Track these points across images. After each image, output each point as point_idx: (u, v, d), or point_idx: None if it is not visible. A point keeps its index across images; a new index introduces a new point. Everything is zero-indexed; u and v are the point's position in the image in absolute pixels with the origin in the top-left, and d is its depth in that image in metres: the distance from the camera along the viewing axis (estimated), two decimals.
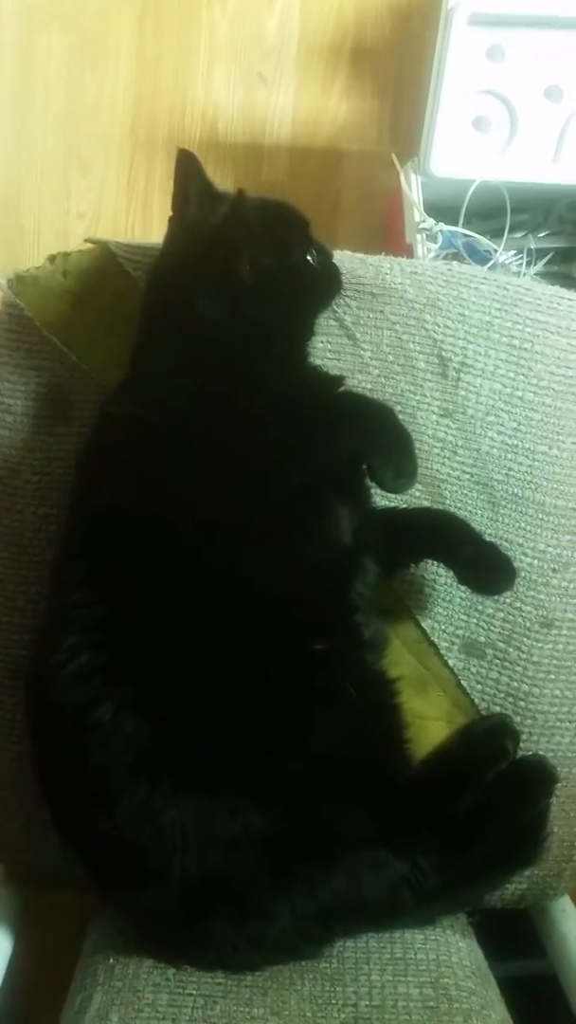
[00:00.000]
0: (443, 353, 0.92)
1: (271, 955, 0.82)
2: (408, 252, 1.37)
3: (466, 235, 1.34)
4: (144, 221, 1.61)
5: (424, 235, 1.33)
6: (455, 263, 1.01)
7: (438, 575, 0.93)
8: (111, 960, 0.84)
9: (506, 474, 0.93)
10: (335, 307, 0.91)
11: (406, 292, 0.92)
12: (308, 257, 0.86)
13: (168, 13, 1.59)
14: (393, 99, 1.60)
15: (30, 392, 0.91)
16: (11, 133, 1.60)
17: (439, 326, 0.92)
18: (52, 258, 0.92)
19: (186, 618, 0.78)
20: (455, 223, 1.35)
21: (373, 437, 0.82)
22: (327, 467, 0.81)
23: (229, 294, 0.81)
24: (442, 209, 1.37)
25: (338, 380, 0.87)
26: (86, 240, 0.93)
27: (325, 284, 0.89)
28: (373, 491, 0.87)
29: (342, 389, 0.87)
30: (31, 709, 0.83)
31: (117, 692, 0.76)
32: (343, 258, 0.93)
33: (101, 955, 0.85)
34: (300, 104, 1.61)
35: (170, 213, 0.88)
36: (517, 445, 0.93)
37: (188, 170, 0.86)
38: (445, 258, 1.38)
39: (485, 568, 0.86)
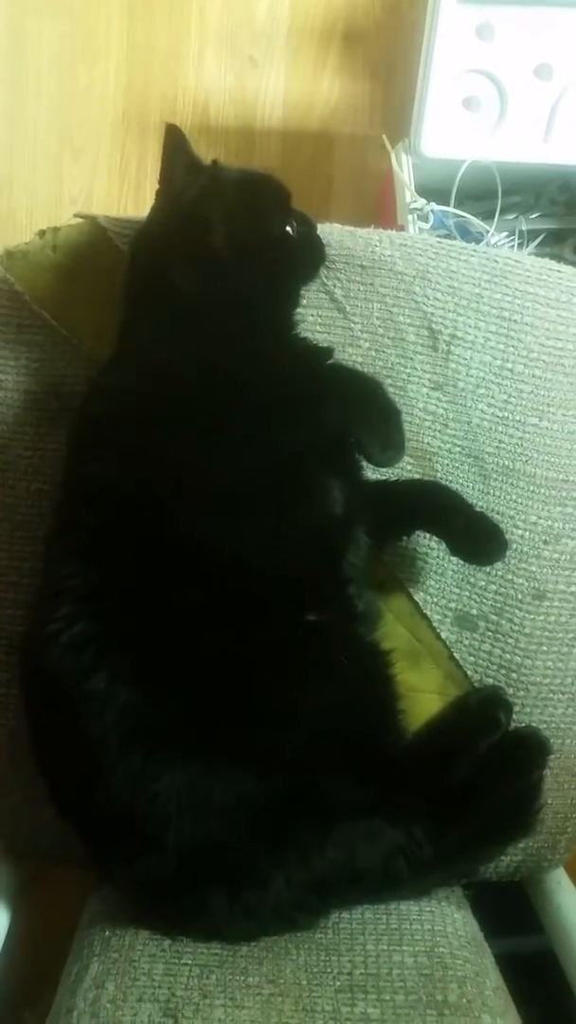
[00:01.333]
0: (433, 325, 0.92)
1: (266, 925, 0.82)
2: None
3: (457, 215, 1.34)
4: (136, 205, 1.61)
5: (415, 215, 1.33)
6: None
7: (430, 548, 0.94)
8: (107, 932, 0.84)
9: (497, 446, 0.93)
10: (324, 280, 0.91)
11: (395, 264, 0.92)
12: (288, 228, 0.85)
13: None
14: (385, 82, 1.60)
15: (21, 367, 0.91)
16: (2, 119, 1.60)
17: (429, 298, 0.92)
18: (42, 233, 0.92)
19: (179, 588, 0.78)
20: (447, 205, 1.35)
21: (360, 410, 0.82)
22: (312, 438, 0.80)
23: (205, 267, 0.81)
24: (434, 191, 1.37)
25: (327, 351, 0.87)
26: (76, 215, 0.93)
27: (307, 255, 0.89)
28: (363, 464, 0.87)
29: (331, 361, 0.87)
30: (25, 680, 0.83)
31: (111, 661, 0.76)
32: (332, 231, 0.93)
33: (97, 927, 0.85)
34: (291, 88, 1.61)
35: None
36: (507, 417, 0.93)
37: (175, 144, 0.86)
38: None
39: (476, 538, 0.86)
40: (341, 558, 0.84)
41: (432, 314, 0.92)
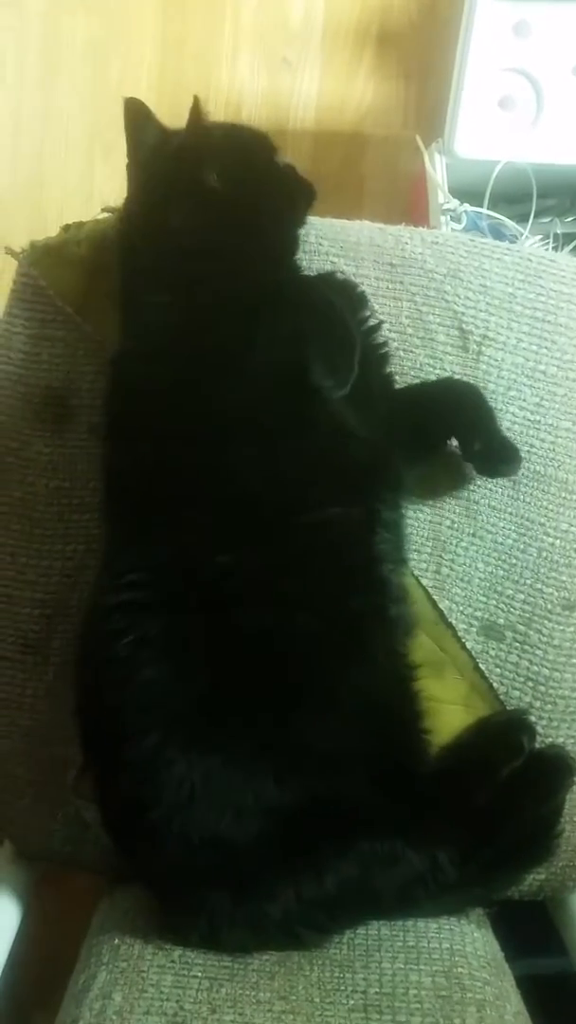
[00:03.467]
0: (464, 325, 0.90)
1: (269, 938, 0.79)
2: None
3: (491, 216, 1.32)
4: None
5: (448, 216, 1.31)
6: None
7: (456, 555, 0.91)
8: (116, 940, 0.82)
9: (528, 451, 0.90)
10: (353, 277, 0.89)
11: (426, 262, 0.90)
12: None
13: None
14: (419, 83, 1.58)
15: (43, 362, 0.89)
16: (35, 116, 1.60)
17: (460, 297, 0.90)
18: (67, 227, 0.91)
19: (210, 552, 0.76)
20: (480, 207, 1.33)
21: (314, 325, 0.80)
22: (277, 351, 0.78)
23: (201, 204, 0.81)
24: (467, 192, 1.35)
25: (330, 275, 0.87)
26: (103, 209, 0.92)
27: (297, 189, 0.88)
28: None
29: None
30: (77, 644, 0.83)
31: (139, 626, 0.75)
32: (362, 228, 0.91)
33: (107, 935, 0.83)
34: (325, 89, 1.59)
35: None
36: (539, 421, 0.90)
37: (137, 118, 0.86)
38: None
39: (489, 461, 0.86)
40: (373, 511, 0.82)
41: (463, 314, 0.90)
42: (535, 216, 1.36)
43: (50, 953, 0.95)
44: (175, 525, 0.76)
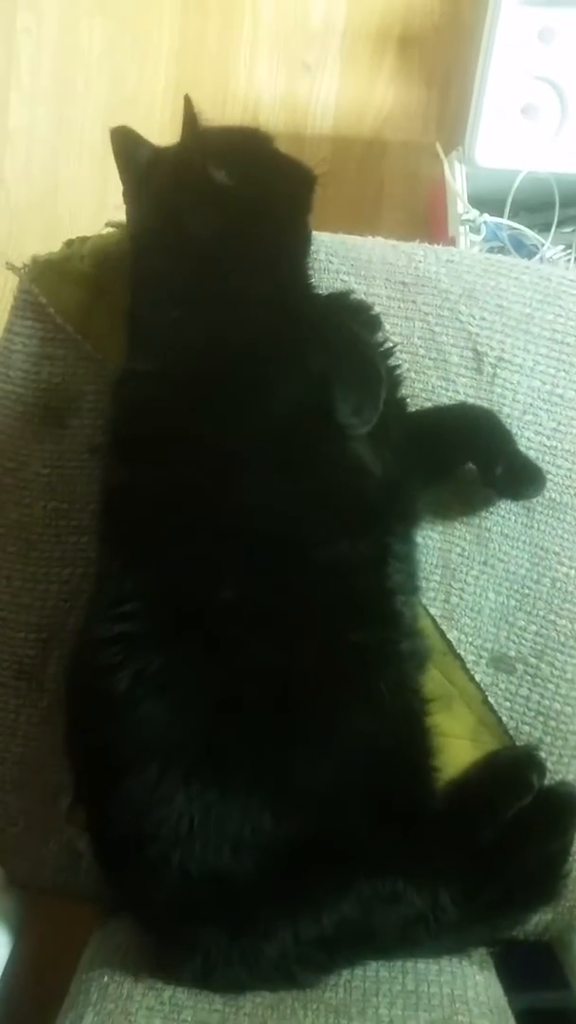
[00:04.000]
0: (478, 347, 0.87)
1: (265, 977, 0.76)
2: (451, 245, 1.32)
3: (512, 227, 1.28)
4: None
5: (467, 227, 1.28)
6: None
7: (466, 583, 0.88)
8: (106, 979, 0.79)
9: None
10: (364, 297, 0.86)
11: (440, 281, 0.86)
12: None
13: (210, 1, 1.56)
14: (441, 88, 1.54)
15: (42, 381, 0.87)
16: (51, 119, 1.58)
17: (475, 318, 0.87)
18: (70, 242, 0.89)
19: (215, 584, 0.74)
20: (501, 216, 1.30)
21: (341, 363, 0.77)
22: (304, 389, 0.76)
23: (215, 203, 0.80)
24: (488, 201, 1.32)
25: (343, 296, 0.84)
26: (107, 224, 0.90)
27: (300, 173, 0.86)
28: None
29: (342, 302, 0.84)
30: (67, 674, 0.81)
31: (136, 661, 0.73)
32: (374, 245, 0.88)
33: (96, 972, 0.81)
34: (344, 93, 1.56)
35: None
36: (556, 447, 0.87)
37: (126, 145, 0.85)
38: (490, 250, 1.33)
39: (513, 484, 0.84)
40: (384, 545, 0.79)
41: (478, 335, 0.87)
42: (557, 226, 1.33)
43: (44, 983, 0.93)
44: (177, 555, 0.74)
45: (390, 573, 0.80)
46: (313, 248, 0.87)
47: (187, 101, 0.79)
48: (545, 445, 0.87)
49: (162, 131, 1.53)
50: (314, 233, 0.87)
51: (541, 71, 1.22)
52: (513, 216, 1.35)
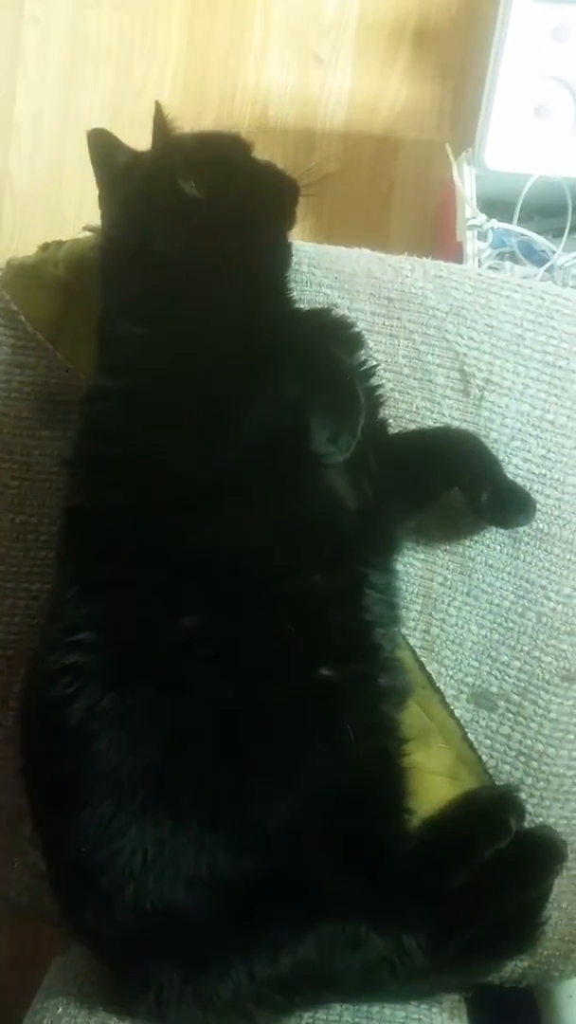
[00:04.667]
0: (465, 368, 0.82)
1: (220, 1016, 0.73)
2: (459, 250, 1.27)
3: (521, 233, 1.23)
4: None
5: (475, 232, 1.23)
6: (487, 269, 0.91)
7: (447, 614, 0.84)
8: (60, 1010, 0.77)
9: None
10: (347, 312, 0.82)
11: (427, 298, 0.82)
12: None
13: None
14: (456, 84, 1.49)
15: (12, 390, 0.84)
16: (57, 111, 1.55)
17: (462, 337, 0.82)
18: (45, 246, 0.86)
19: (176, 615, 0.71)
20: (511, 220, 1.25)
21: (318, 388, 0.73)
22: (277, 415, 0.72)
23: (183, 215, 0.76)
24: (501, 203, 1.27)
25: (324, 313, 0.80)
26: (84, 228, 0.86)
27: (280, 185, 0.82)
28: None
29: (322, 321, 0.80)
30: (21, 701, 0.78)
31: (89, 694, 0.70)
32: (359, 256, 0.84)
33: (52, 1002, 0.78)
34: (357, 88, 1.51)
35: None
36: (545, 475, 0.83)
37: (103, 148, 0.81)
38: (499, 256, 1.28)
39: (501, 511, 0.80)
40: (360, 576, 0.76)
41: (465, 355, 0.82)
42: (571, 232, 1.28)
43: (12, 1000, 0.91)
44: (136, 584, 0.71)
45: (367, 605, 0.76)
46: (295, 259, 0.83)
47: (158, 107, 0.76)
48: (533, 473, 0.83)
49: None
50: (296, 243, 0.83)
51: (555, 71, 1.17)
52: (526, 220, 1.29)
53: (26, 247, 1.56)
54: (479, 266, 1.25)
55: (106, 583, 0.72)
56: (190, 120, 1.49)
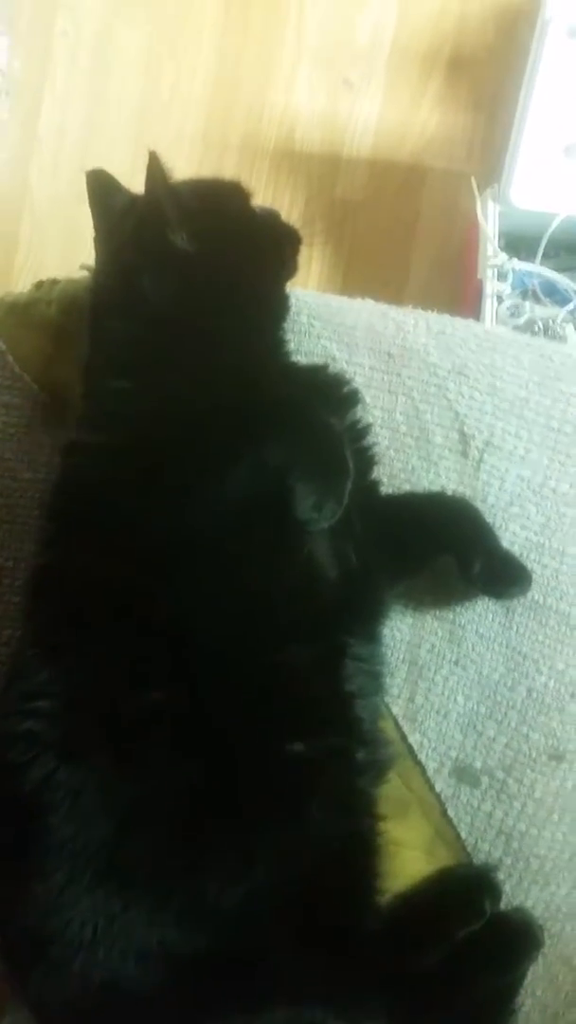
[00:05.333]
0: (465, 428, 0.79)
1: None
2: (480, 286, 1.23)
3: (541, 275, 1.19)
4: None
5: (495, 272, 1.19)
6: (495, 326, 0.88)
7: (433, 683, 0.81)
8: None
9: None
10: (345, 366, 0.79)
11: (429, 355, 0.79)
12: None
13: (254, 8, 1.49)
14: (488, 114, 1.45)
15: None
16: (81, 125, 1.53)
17: (464, 397, 0.79)
18: (39, 285, 0.84)
19: (141, 686, 0.68)
20: (534, 258, 1.21)
21: (303, 453, 0.70)
22: (258, 480, 0.69)
23: (173, 267, 0.74)
24: (527, 239, 1.23)
25: (318, 370, 0.77)
26: (81, 267, 0.84)
27: (280, 235, 0.79)
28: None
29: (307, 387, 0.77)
30: None
31: (44, 765, 0.68)
32: (361, 309, 0.81)
33: None
34: (386, 114, 1.48)
35: None
36: (544, 544, 0.79)
37: (102, 190, 0.79)
38: (522, 294, 1.24)
39: (495, 582, 0.77)
40: (340, 647, 0.73)
41: (465, 415, 0.79)
42: None
43: None
44: (100, 651, 0.68)
45: (347, 676, 0.73)
46: (294, 309, 0.80)
47: (152, 156, 0.73)
48: (531, 541, 0.79)
49: (193, 142, 1.50)
50: (297, 292, 0.80)
51: None
52: (552, 256, 1.26)
53: (41, 261, 1.57)
54: (499, 304, 1.22)
55: (69, 647, 0.69)
56: (216, 138, 1.50)
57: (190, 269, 0.74)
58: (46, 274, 1.54)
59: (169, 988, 0.68)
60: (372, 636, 0.77)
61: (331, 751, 0.72)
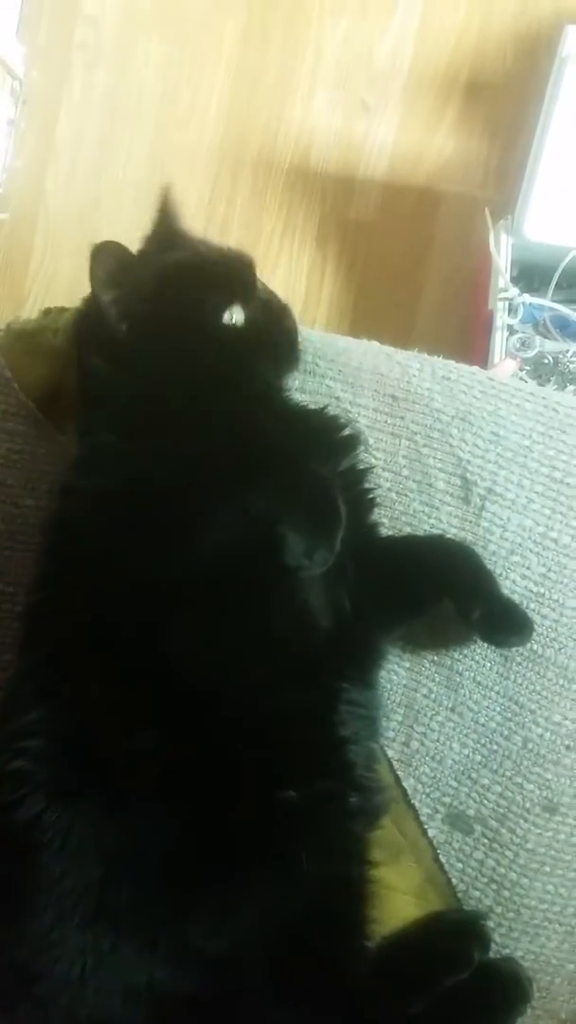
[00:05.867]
0: (467, 475, 0.78)
1: None
2: (491, 316, 1.23)
3: (552, 308, 1.19)
4: None
5: (506, 305, 1.19)
6: (496, 359, 0.87)
7: (429, 728, 0.80)
8: None
9: None
10: (349, 407, 0.78)
11: (434, 400, 0.78)
12: (227, 315, 0.73)
13: (275, 27, 1.48)
14: (505, 141, 1.44)
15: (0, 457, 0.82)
16: (98, 136, 1.53)
17: (467, 443, 0.78)
18: (47, 312, 0.83)
19: (131, 729, 0.68)
20: (547, 291, 1.20)
21: (294, 501, 0.69)
22: (245, 527, 0.67)
23: (111, 351, 0.72)
24: (540, 270, 1.22)
25: (316, 414, 0.76)
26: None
27: (257, 348, 0.75)
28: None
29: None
30: None
31: (33, 805, 0.67)
32: (367, 351, 0.80)
33: None
34: (402, 137, 1.47)
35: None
36: (543, 594, 0.78)
37: (104, 261, 0.73)
38: (533, 327, 1.24)
39: (495, 631, 0.76)
40: (335, 692, 0.72)
41: (468, 462, 0.78)
42: None
43: None
44: (91, 694, 0.68)
45: (341, 721, 0.72)
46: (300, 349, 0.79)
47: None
48: (531, 591, 0.78)
49: (209, 155, 1.50)
50: (303, 332, 0.79)
51: None
52: (566, 287, 1.25)
53: (55, 271, 1.57)
54: (510, 336, 1.21)
55: (61, 688, 0.69)
56: (231, 154, 1.49)
57: (126, 359, 0.72)
58: (59, 281, 1.53)
59: None
60: (368, 681, 0.76)
61: (323, 797, 0.71)
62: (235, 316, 0.73)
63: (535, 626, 0.78)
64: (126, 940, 0.67)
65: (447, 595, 0.76)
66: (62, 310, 0.83)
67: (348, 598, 0.72)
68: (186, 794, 0.67)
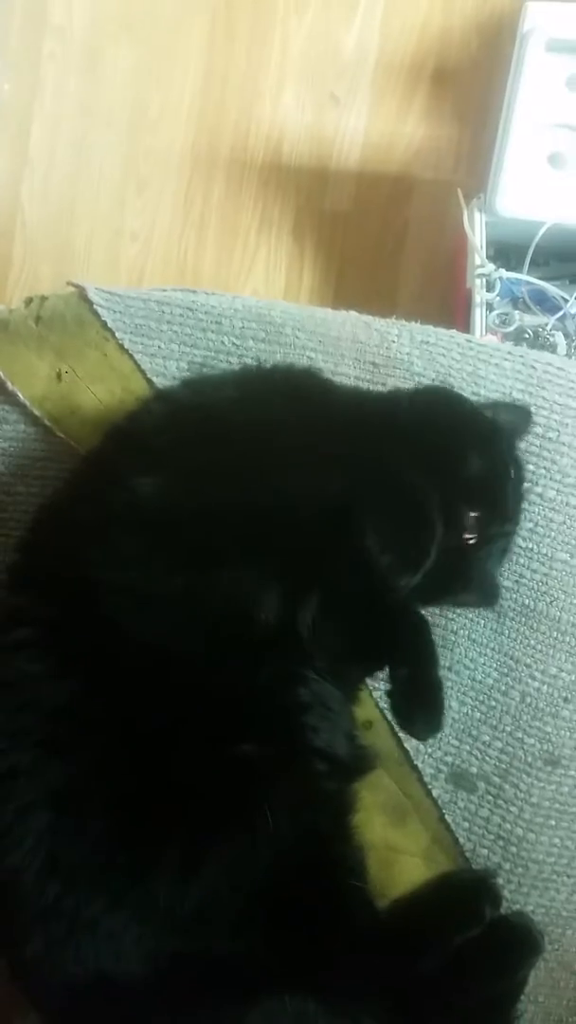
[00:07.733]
0: None
1: None
2: (468, 296, 1.24)
3: (529, 282, 1.20)
4: (198, 244, 1.53)
5: (483, 281, 1.20)
6: (477, 336, 0.88)
7: None
8: None
9: (516, 581, 0.80)
10: (330, 376, 0.79)
11: (413, 364, 0.80)
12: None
13: (241, 26, 1.50)
14: (474, 126, 1.46)
15: None
16: (70, 144, 1.55)
17: None
18: (28, 301, 0.84)
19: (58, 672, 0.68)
20: (523, 266, 1.22)
21: (375, 490, 0.67)
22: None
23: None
24: (515, 247, 1.24)
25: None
26: (68, 283, 0.85)
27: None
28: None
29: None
30: None
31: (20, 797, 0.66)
32: (345, 320, 0.81)
33: None
34: (373, 127, 1.49)
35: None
36: (532, 549, 0.80)
37: None
38: (511, 303, 1.25)
39: (407, 698, 0.71)
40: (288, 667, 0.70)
41: None
42: None
43: None
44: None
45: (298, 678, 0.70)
46: (279, 322, 0.80)
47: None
48: (520, 546, 0.79)
49: (182, 156, 1.52)
50: (281, 305, 0.81)
51: (569, 119, 1.15)
52: (542, 264, 1.26)
53: (36, 279, 1.58)
54: (489, 312, 1.23)
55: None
56: (204, 154, 1.51)
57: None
58: (40, 289, 1.54)
59: (153, 981, 0.66)
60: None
61: (281, 754, 0.69)
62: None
63: (526, 581, 0.79)
64: (88, 898, 0.66)
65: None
66: (43, 298, 0.84)
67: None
68: (125, 740, 0.66)
